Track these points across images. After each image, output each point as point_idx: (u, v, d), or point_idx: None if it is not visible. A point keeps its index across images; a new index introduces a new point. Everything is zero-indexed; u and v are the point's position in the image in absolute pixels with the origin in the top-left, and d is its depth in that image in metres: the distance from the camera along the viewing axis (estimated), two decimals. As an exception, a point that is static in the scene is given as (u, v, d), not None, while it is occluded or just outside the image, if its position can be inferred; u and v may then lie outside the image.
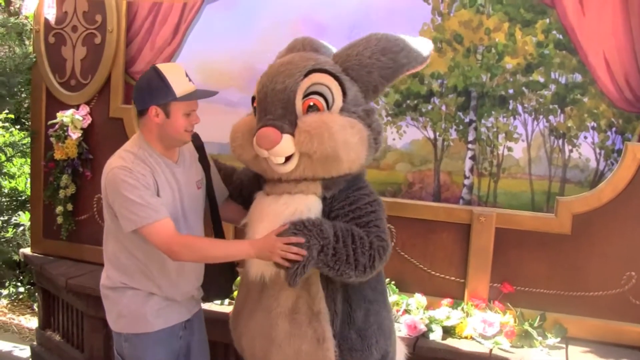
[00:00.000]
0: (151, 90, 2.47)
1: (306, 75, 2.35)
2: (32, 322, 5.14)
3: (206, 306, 3.09)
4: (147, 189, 2.42)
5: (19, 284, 6.03)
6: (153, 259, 2.57)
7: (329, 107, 2.34)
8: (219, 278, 2.82)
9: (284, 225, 2.31)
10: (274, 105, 2.36)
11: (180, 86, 2.46)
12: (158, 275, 2.58)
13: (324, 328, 2.36)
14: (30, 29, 4.67)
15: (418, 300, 3.28)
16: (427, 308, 3.28)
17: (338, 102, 2.35)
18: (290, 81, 2.35)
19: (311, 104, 2.33)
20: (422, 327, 3.11)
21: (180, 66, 2.60)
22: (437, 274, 3.38)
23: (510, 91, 3.27)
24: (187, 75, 2.53)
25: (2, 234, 5.14)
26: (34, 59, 4.30)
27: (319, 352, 2.36)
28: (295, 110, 2.34)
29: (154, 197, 2.44)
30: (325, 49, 2.66)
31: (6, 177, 5.08)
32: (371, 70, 2.38)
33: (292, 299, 2.43)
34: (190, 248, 2.43)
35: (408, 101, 3.45)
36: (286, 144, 2.30)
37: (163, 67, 2.50)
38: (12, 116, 5.50)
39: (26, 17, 4.71)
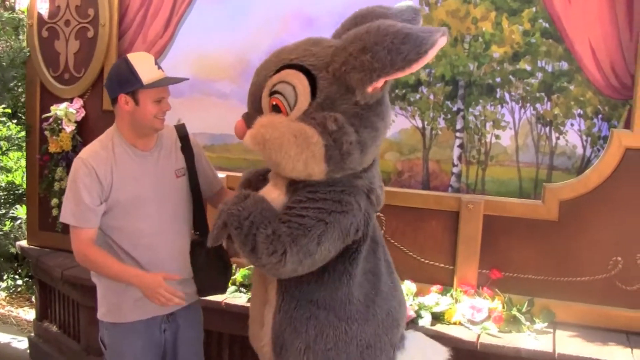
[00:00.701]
0: (120, 79, 2.56)
1: (278, 70, 2.20)
2: (30, 314, 5.19)
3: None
4: (89, 192, 2.54)
5: (17, 276, 6.09)
6: (124, 250, 2.64)
7: (291, 108, 2.16)
8: (211, 272, 2.81)
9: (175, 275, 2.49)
10: (249, 98, 2.33)
11: (147, 74, 2.53)
12: (134, 265, 2.63)
13: (267, 317, 2.37)
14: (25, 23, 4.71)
15: (407, 287, 3.31)
16: (417, 295, 3.32)
17: (301, 104, 2.15)
18: (262, 75, 2.25)
19: (274, 103, 2.19)
20: (412, 314, 3.14)
21: (150, 55, 2.68)
22: (427, 261, 3.42)
23: (498, 80, 3.30)
24: (156, 64, 2.60)
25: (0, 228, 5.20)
26: (28, 53, 4.34)
27: (263, 338, 2.40)
28: (261, 107, 2.26)
29: (86, 204, 2.55)
30: (394, 12, 2.33)
31: (3, 171, 5.10)
32: (348, 69, 2.07)
33: (259, 286, 2.51)
34: (87, 259, 2.61)
35: (396, 90, 3.48)
36: (248, 140, 2.23)
37: (131, 57, 2.59)
38: (10, 110, 5.53)
39: (22, 12, 4.73)
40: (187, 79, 2.73)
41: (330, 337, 2.26)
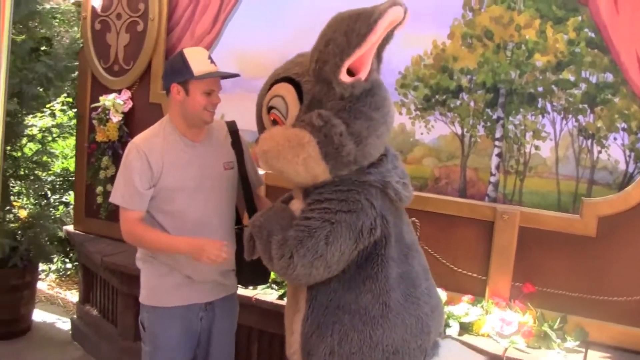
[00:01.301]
0: (173, 70, 2.69)
1: (270, 87, 2.34)
2: (76, 296, 5.34)
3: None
4: (140, 176, 2.65)
5: (67, 260, 6.29)
6: (174, 233, 2.72)
7: (285, 118, 2.28)
8: (255, 262, 2.84)
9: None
10: (256, 121, 2.47)
11: (199, 66, 2.64)
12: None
13: (297, 323, 2.40)
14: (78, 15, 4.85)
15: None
16: (447, 303, 3.27)
17: (292, 112, 2.26)
18: (260, 95, 2.42)
19: (272, 119, 2.32)
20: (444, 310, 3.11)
21: (205, 50, 2.81)
22: (459, 270, 3.38)
23: (540, 89, 3.22)
24: (209, 58, 2.71)
25: (52, 211, 5.37)
26: (81, 45, 4.47)
27: (293, 345, 2.43)
28: (264, 126, 2.39)
29: (136, 187, 2.66)
30: None
31: (53, 157, 5.28)
32: (320, 65, 2.18)
33: (291, 294, 2.55)
34: (134, 236, 2.70)
35: (437, 96, 3.44)
36: None
37: (187, 50, 2.71)
38: (71, 100, 5.72)
39: (78, 4, 4.87)
40: (238, 75, 2.81)
41: (354, 341, 2.27)
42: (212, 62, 2.70)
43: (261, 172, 3.64)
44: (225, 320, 2.96)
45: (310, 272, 2.20)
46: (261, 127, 2.42)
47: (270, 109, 2.31)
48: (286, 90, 2.27)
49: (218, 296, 2.89)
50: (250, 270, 2.82)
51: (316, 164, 2.20)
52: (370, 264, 2.29)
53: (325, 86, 2.19)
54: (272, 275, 3.54)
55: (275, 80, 2.34)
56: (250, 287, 3.53)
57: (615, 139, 3.12)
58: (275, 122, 2.30)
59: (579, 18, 3.11)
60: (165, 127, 2.75)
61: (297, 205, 2.42)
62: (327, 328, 2.30)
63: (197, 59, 2.66)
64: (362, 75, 2.17)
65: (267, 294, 3.51)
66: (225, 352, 3.01)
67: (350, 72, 2.16)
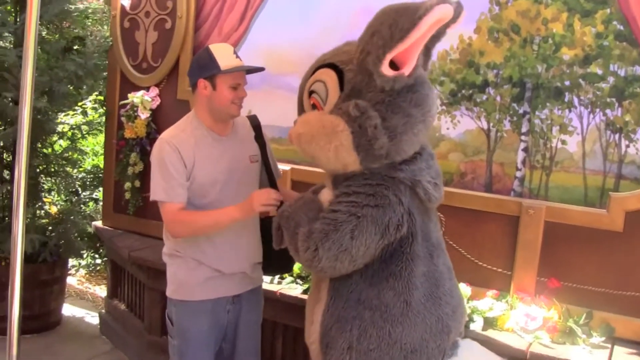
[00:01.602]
0: (199, 65, 2.73)
1: (315, 71, 2.35)
2: (105, 291, 5.42)
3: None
4: (175, 169, 2.66)
5: (96, 255, 6.38)
6: None
7: (324, 104, 2.30)
8: (280, 252, 2.91)
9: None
10: (298, 105, 2.50)
11: (225, 61, 2.68)
12: (206, 246, 2.77)
13: (318, 314, 2.42)
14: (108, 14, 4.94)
15: (462, 290, 3.25)
16: (472, 298, 3.26)
17: (332, 98, 2.28)
18: (304, 79, 2.44)
19: (312, 103, 2.34)
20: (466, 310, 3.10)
21: (230, 46, 2.85)
22: (484, 265, 3.36)
23: (567, 83, 3.19)
24: (235, 53, 2.75)
25: (82, 208, 5.46)
26: (111, 43, 4.54)
27: (312, 335, 2.46)
28: (304, 109, 2.43)
29: (174, 180, 2.67)
30: None
31: (83, 154, 5.37)
32: (363, 56, 2.18)
33: (314, 283, 2.58)
34: (182, 223, 2.69)
35: (463, 91, 3.43)
36: None
37: (212, 46, 2.76)
38: (102, 98, 5.82)
39: (108, 3, 4.95)
40: (263, 69, 2.86)
41: (373, 337, 2.28)
42: (238, 56, 2.75)
43: (286, 167, 3.69)
44: (251, 313, 3.00)
45: (335, 265, 2.22)
46: (301, 110, 2.45)
47: (311, 93, 2.34)
48: (328, 76, 2.28)
49: (245, 289, 2.93)
50: (277, 260, 2.87)
51: (347, 153, 2.21)
52: (395, 261, 2.29)
53: (366, 77, 2.20)
54: (296, 269, 3.58)
55: (320, 65, 2.35)
56: (276, 281, 3.57)
57: (643, 133, 3.08)
58: (314, 107, 2.33)
59: (607, 11, 3.08)
60: (192, 122, 2.78)
61: (327, 195, 2.44)
62: (347, 322, 2.31)
63: (223, 54, 2.70)
64: (406, 70, 2.16)
65: (291, 288, 3.53)
66: (251, 344, 3.04)
67: (395, 66, 2.16)
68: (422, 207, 2.34)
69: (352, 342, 2.29)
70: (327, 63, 2.32)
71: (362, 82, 2.21)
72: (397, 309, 2.28)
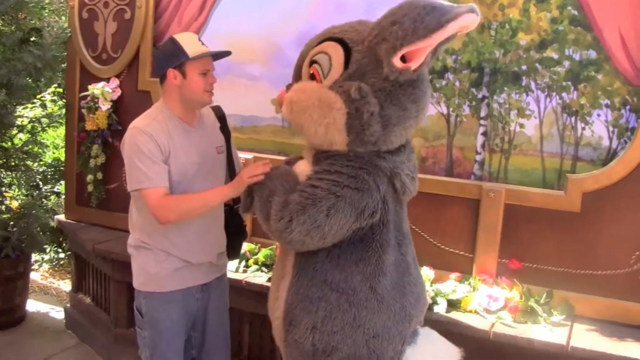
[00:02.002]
0: (166, 56, 2.70)
1: (321, 42, 2.33)
2: (69, 286, 5.36)
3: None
4: (151, 155, 2.61)
5: (60, 249, 6.31)
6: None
7: (324, 77, 2.29)
8: (239, 237, 3.06)
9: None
10: (294, 69, 2.46)
11: (192, 48, 2.67)
12: (175, 237, 2.76)
13: (282, 289, 2.44)
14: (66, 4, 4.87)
15: (426, 273, 3.31)
16: (435, 281, 3.31)
17: (334, 73, 2.26)
18: (307, 47, 2.41)
19: (311, 72, 2.32)
20: (427, 300, 3.14)
21: (194, 34, 2.84)
22: (447, 248, 3.41)
23: (524, 67, 3.24)
24: (200, 40, 2.74)
25: (44, 202, 5.39)
26: (69, 34, 4.48)
27: (276, 310, 2.47)
28: (301, 76, 2.40)
29: (156, 165, 2.62)
30: None
31: (43, 147, 5.29)
32: (378, 41, 2.15)
33: (279, 259, 2.59)
34: (169, 208, 2.63)
35: (422, 77, 3.46)
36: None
37: (177, 36, 2.75)
38: (61, 90, 5.73)
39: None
40: (230, 53, 2.86)
41: (338, 320, 2.30)
42: (203, 43, 2.74)
43: (249, 156, 3.70)
44: (219, 300, 3.03)
45: (304, 239, 2.23)
46: (297, 77, 2.44)
47: (313, 62, 2.32)
48: (335, 51, 2.26)
49: (213, 277, 2.95)
50: (237, 245, 3.02)
51: (338, 132, 2.22)
52: (365, 246, 2.32)
53: (374, 62, 2.19)
54: (261, 256, 3.60)
55: (328, 37, 2.33)
56: (241, 270, 3.58)
57: (598, 115, 3.14)
58: (313, 77, 2.32)
59: (562, -4, 3.15)
60: (162, 112, 2.75)
61: (303, 167, 2.45)
62: (313, 303, 2.33)
63: (189, 42, 2.69)
64: (413, 65, 2.16)
65: (256, 276, 3.54)
66: (221, 330, 3.06)
67: (403, 59, 2.15)
68: (395, 197, 2.37)
69: (317, 323, 2.31)
70: (336, 37, 2.30)
71: (368, 66, 2.21)
72: (363, 294, 2.30)
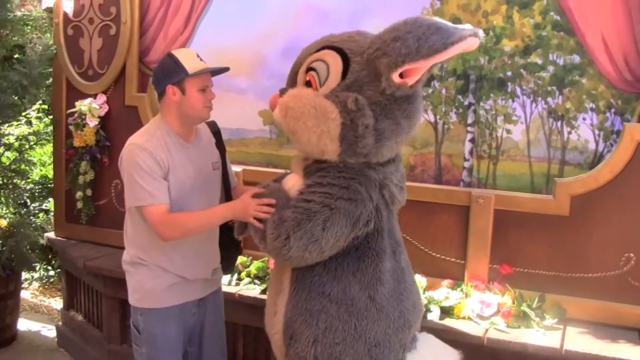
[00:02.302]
0: (165, 72, 2.70)
1: (319, 50, 2.33)
2: (60, 303, 5.32)
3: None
4: (152, 171, 2.62)
5: (49, 267, 6.27)
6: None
7: (321, 85, 2.29)
8: (232, 251, 3.07)
9: (260, 188, 2.44)
10: (289, 74, 2.47)
11: (191, 64, 2.66)
12: (171, 252, 2.75)
13: (280, 305, 2.45)
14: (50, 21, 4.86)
15: (418, 280, 3.31)
16: (428, 289, 3.32)
17: (331, 82, 2.27)
18: (304, 53, 2.40)
19: (307, 79, 2.32)
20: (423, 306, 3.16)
21: (192, 50, 2.84)
22: (438, 255, 3.42)
23: (509, 73, 3.27)
24: (198, 56, 2.73)
25: (33, 219, 5.35)
26: (55, 51, 4.47)
27: (275, 325, 2.48)
28: (296, 82, 2.40)
29: (157, 181, 2.62)
30: None
31: (31, 164, 5.26)
32: (379, 55, 2.15)
33: (275, 274, 2.58)
34: (172, 225, 2.62)
35: (409, 85, 3.48)
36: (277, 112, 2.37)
37: (176, 51, 2.75)
38: (46, 107, 5.71)
39: (50, 10, 4.87)
40: (228, 69, 2.85)
41: (339, 331, 2.31)
42: (201, 59, 2.72)
43: (238, 169, 3.70)
44: (215, 314, 3.02)
45: (303, 255, 2.25)
46: (292, 83, 2.44)
47: (310, 69, 2.32)
48: (334, 60, 2.27)
49: (208, 291, 2.95)
50: (232, 259, 3.04)
51: (331, 141, 2.23)
52: (361, 256, 2.34)
53: (372, 74, 2.21)
54: (253, 269, 3.60)
55: (326, 45, 2.33)
56: (234, 283, 3.58)
57: (584, 119, 3.18)
58: (309, 84, 2.32)
59: (544, 2, 3.17)
60: (160, 127, 2.74)
61: (293, 182, 2.46)
62: (313, 316, 2.33)
63: (187, 58, 2.68)
64: (410, 81, 2.18)
65: (249, 289, 3.54)
66: (218, 343, 3.06)
67: (400, 73, 2.16)
68: (385, 205, 2.39)
69: (318, 336, 2.32)
70: (335, 46, 2.30)
71: (366, 78, 2.22)
72: (362, 304, 2.32)
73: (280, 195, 2.40)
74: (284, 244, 2.24)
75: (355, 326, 2.31)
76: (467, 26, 2.14)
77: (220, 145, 2.96)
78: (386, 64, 2.12)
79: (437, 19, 2.12)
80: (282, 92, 2.40)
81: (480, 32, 2.11)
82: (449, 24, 2.11)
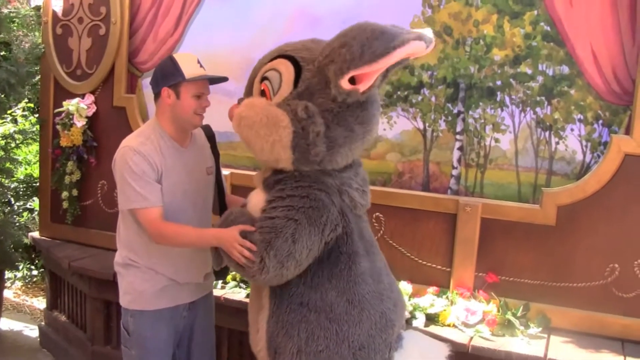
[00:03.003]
0: (163, 74, 2.69)
1: (273, 59, 2.34)
2: (43, 303, 5.30)
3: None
4: (145, 175, 2.61)
5: (32, 267, 6.23)
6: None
7: (274, 94, 2.29)
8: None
9: (252, 227, 2.34)
10: (247, 84, 2.47)
11: (189, 70, 2.66)
12: (163, 255, 2.74)
13: (262, 321, 2.44)
14: (38, 20, 4.83)
15: (403, 288, 3.32)
16: (413, 296, 3.33)
17: (283, 90, 2.27)
18: (259, 63, 2.41)
19: (262, 88, 2.33)
20: (406, 314, 3.16)
21: (194, 55, 2.78)
22: (424, 263, 3.43)
23: (498, 83, 3.29)
24: (198, 62, 2.72)
25: (17, 218, 5.32)
26: (43, 50, 4.44)
27: (259, 343, 2.47)
28: (252, 91, 2.41)
29: (150, 184, 2.62)
30: None
31: (16, 163, 5.22)
32: (327, 62, 2.17)
33: (254, 292, 2.57)
34: (163, 236, 2.62)
35: (399, 92, 3.49)
36: None
37: (177, 55, 2.75)
38: (32, 105, 5.67)
39: (38, 8, 4.84)
40: (227, 79, 2.80)
41: (321, 339, 2.30)
42: (202, 66, 2.71)
43: (226, 172, 3.68)
44: (206, 318, 3.02)
45: (281, 272, 2.24)
46: (248, 92, 2.44)
47: (264, 78, 2.33)
48: (286, 68, 2.28)
49: (200, 295, 2.93)
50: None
51: (283, 150, 2.23)
52: (334, 261, 2.33)
53: (322, 82, 2.21)
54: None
55: (280, 54, 2.33)
56: (219, 286, 3.57)
57: (572, 130, 3.20)
58: (263, 93, 2.32)
59: (535, 12, 3.20)
60: (154, 130, 2.73)
61: (256, 199, 2.45)
62: (293, 327, 2.33)
63: (187, 63, 2.67)
64: (362, 87, 2.18)
65: (235, 292, 3.53)
66: (207, 348, 3.04)
67: (352, 80, 2.17)
68: (348, 208, 2.39)
69: (301, 346, 2.31)
70: (288, 55, 2.31)
71: (317, 86, 2.23)
72: (341, 308, 2.31)
73: (244, 220, 2.38)
74: (260, 267, 2.23)
75: (336, 331, 2.30)
76: (422, 30, 2.14)
77: (214, 150, 2.95)
78: (333, 71, 2.13)
79: (384, 24, 2.11)
80: (240, 101, 2.41)
81: (428, 36, 2.11)
82: (396, 28, 2.11)
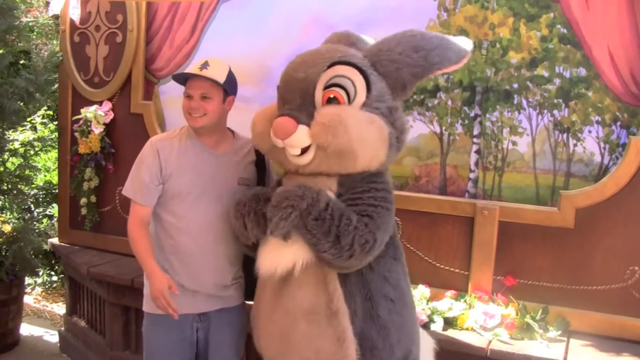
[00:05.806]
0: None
1: (330, 66, 2.28)
2: (63, 309, 5.34)
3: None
4: (149, 171, 2.68)
5: (52, 272, 6.28)
6: (178, 234, 2.73)
7: (350, 101, 2.26)
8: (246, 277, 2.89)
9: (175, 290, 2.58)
10: (293, 94, 2.33)
11: (189, 69, 2.71)
12: (173, 257, 2.74)
13: (344, 327, 2.31)
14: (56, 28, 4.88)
15: (421, 291, 3.32)
16: (431, 299, 3.32)
17: (361, 96, 2.27)
18: (312, 71, 2.29)
19: (331, 96, 2.26)
20: (424, 318, 3.16)
21: (208, 58, 2.70)
22: (442, 266, 3.43)
23: (515, 86, 3.29)
24: (204, 64, 2.65)
25: (37, 225, 5.36)
26: (61, 58, 4.49)
27: (340, 352, 2.31)
28: (314, 101, 2.29)
29: (146, 183, 2.68)
30: (363, 43, 2.59)
31: (36, 170, 5.28)
32: (400, 66, 2.29)
33: (310, 298, 2.36)
34: (129, 234, 2.73)
35: (415, 96, 3.49)
36: (301, 135, 2.24)
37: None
38: (51, 112, 5.73)
39: (56, 17, 4.89)
40: (220, 82, 2.66)
41: (406, 326, 2.46)
42: (204, 67, 2.63)
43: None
44: (223, 333, 2.86)
45: (373, 255, 2.32)
46: (308, 102, 2.30)
47: (332, 85, 2.27)
48: (354, 74, 2.28)
49: (213, 308, 2.82)
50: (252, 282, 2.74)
51: (382, 145, 2.29)
52: (394, 254, 2.49)
53: (385, 85, 2.33)
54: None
55: (334, 62, 2.29)
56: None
57: (590, 131, 3.19)
58: (333, 100, 2.27)
59: (551, 15, 3.19)
60: (183, 130, 2.79)
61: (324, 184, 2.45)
62: (386, 320, 2.38)
63: (194, 64, 2.72)
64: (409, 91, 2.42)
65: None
66: None
67: None
68: None
69: (399, 337, 2.41)
70: (344, 61, 2.30)
71: (383, 89, 2.33)
72: (408, 299, 2.52)
73: (331, 198, 2.31)
74: (371, 247, 2.26)
75: (411, 314, 2.51)
76: (464, 40, 2.41)
77: (260, 163, 2.87)
78: (412, 74, 2.31)
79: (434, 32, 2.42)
80: (295, 114, 2.27)
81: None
82: (453, 39, 2.37)
